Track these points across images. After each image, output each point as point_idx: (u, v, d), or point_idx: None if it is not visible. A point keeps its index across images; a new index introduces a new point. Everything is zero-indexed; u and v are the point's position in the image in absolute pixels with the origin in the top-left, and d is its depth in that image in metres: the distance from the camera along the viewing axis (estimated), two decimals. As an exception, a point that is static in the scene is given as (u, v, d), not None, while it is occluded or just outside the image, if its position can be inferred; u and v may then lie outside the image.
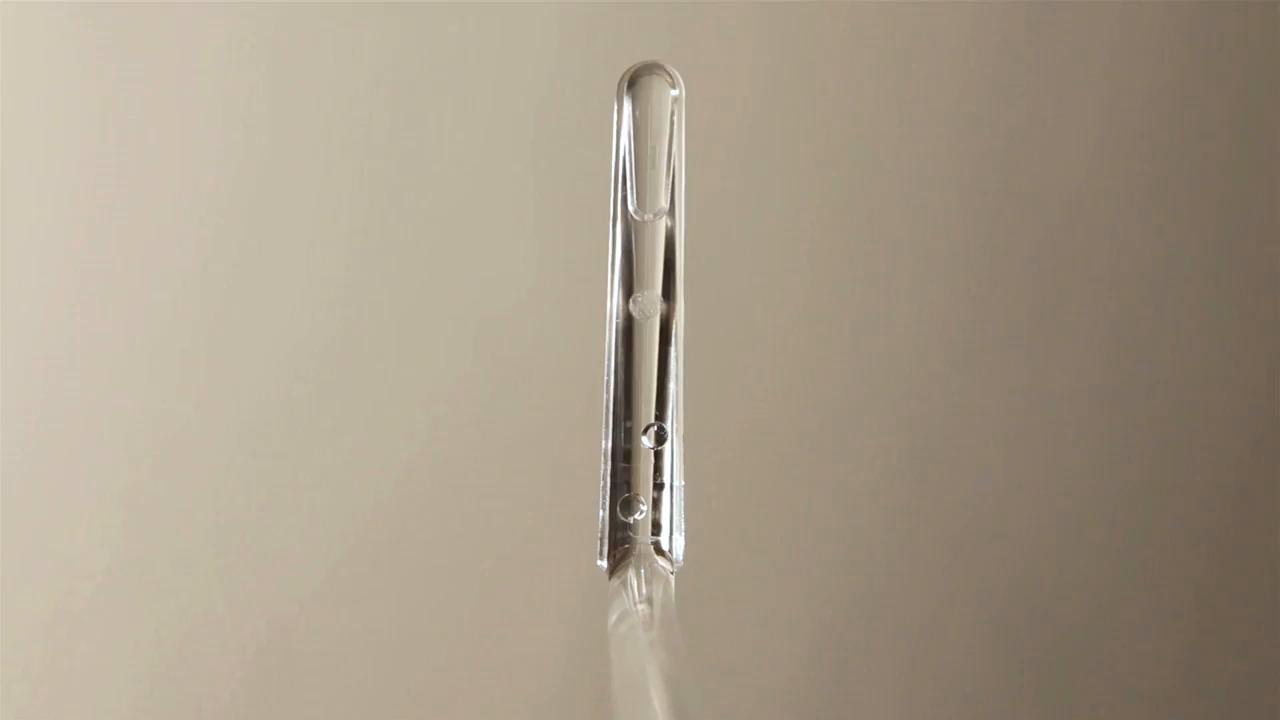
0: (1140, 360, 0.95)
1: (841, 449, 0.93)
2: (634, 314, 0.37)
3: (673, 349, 0.37)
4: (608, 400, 0.37)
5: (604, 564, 0.37)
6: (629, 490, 0.37)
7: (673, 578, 0.36)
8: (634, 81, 0.37)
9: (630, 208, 0.37)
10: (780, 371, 0.89)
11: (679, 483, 0.37)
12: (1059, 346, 0.95)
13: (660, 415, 0.37)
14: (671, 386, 0.37)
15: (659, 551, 0.36)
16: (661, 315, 0.37)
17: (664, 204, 0.37)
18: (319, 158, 0.77)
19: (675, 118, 0.37)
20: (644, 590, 0.35)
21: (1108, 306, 0.94)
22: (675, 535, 0.37)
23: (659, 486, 0.37)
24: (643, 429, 0.37)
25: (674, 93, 0.37)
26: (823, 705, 0.88)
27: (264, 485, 0.85)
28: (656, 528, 0.37)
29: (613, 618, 0.34)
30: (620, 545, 0.36)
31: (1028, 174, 0.85)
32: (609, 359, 0.37)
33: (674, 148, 0.37)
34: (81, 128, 0.68)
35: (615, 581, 0.36)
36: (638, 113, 0.37)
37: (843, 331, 0.86)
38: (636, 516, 0.37)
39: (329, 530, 0.85)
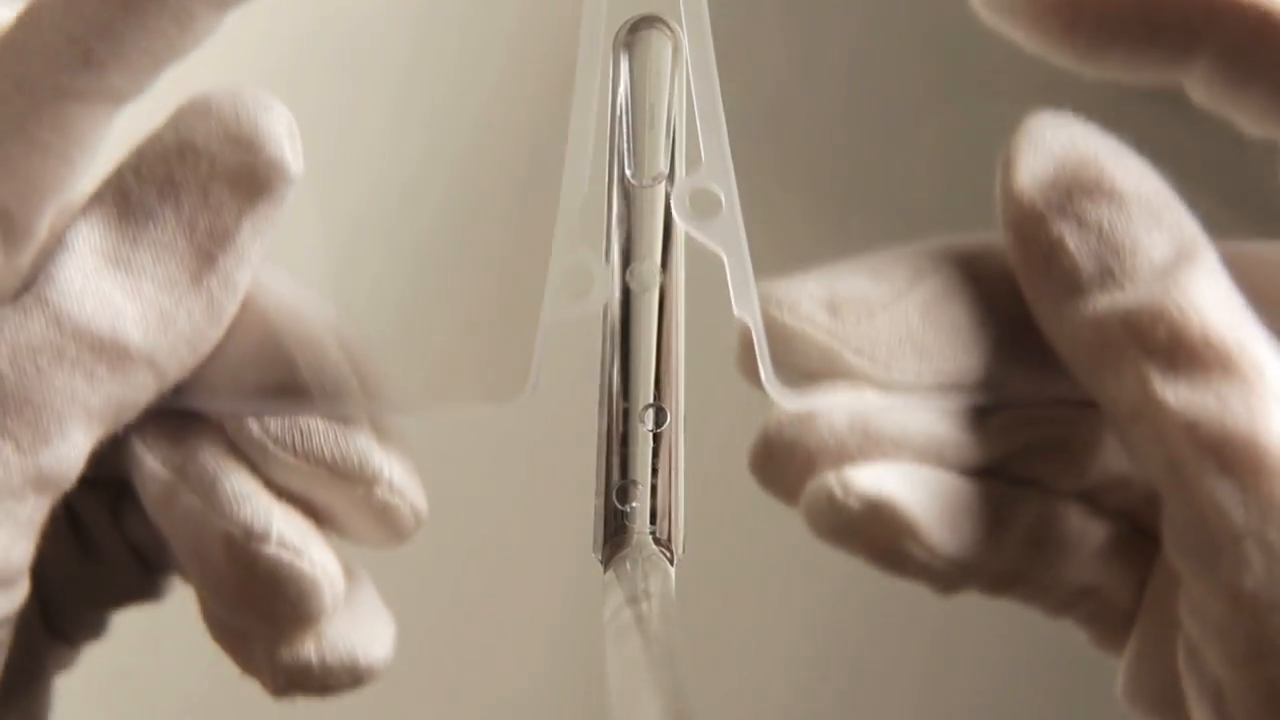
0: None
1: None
2: (630, 286, 0.35)
3: (672, 324, 0.35)
4: (602, 379, 0.36)
5: (599, 555, 0.35)
6: (625, 476, 0.35)
7: (672, 569, 0.34)
8: (631, 35, 0.36)
9: (626, 172, 0.36)
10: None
11: (679, 468, 0.35)
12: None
13: (659, 395, 0.35)
14: (671, 364, 0.35)
15: (657, 542, 0.35)
16: (660, 287, 0.35)
17: (663, 168, 0.36)
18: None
19: (675, 75, 0.36)
20: (641, 583, 0.33)
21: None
22: (675, 524, 0.35)
23: (657, 472, 0.35)
24: (640, 410, 0.35)
25: (674, 48, 0.36)
26: (829, 704, 0.87)
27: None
28: (655, 516, 0.35)
29: (608, 612, 0.33)
30: (616, 535, 0.35)
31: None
32: (603, 335, 0.35)
33: (674, 108, 0.36)
34: None
35: (611, 573, 0.34)
36: (634, 69, 0.36)
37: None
38: (634, 504, 0.35)
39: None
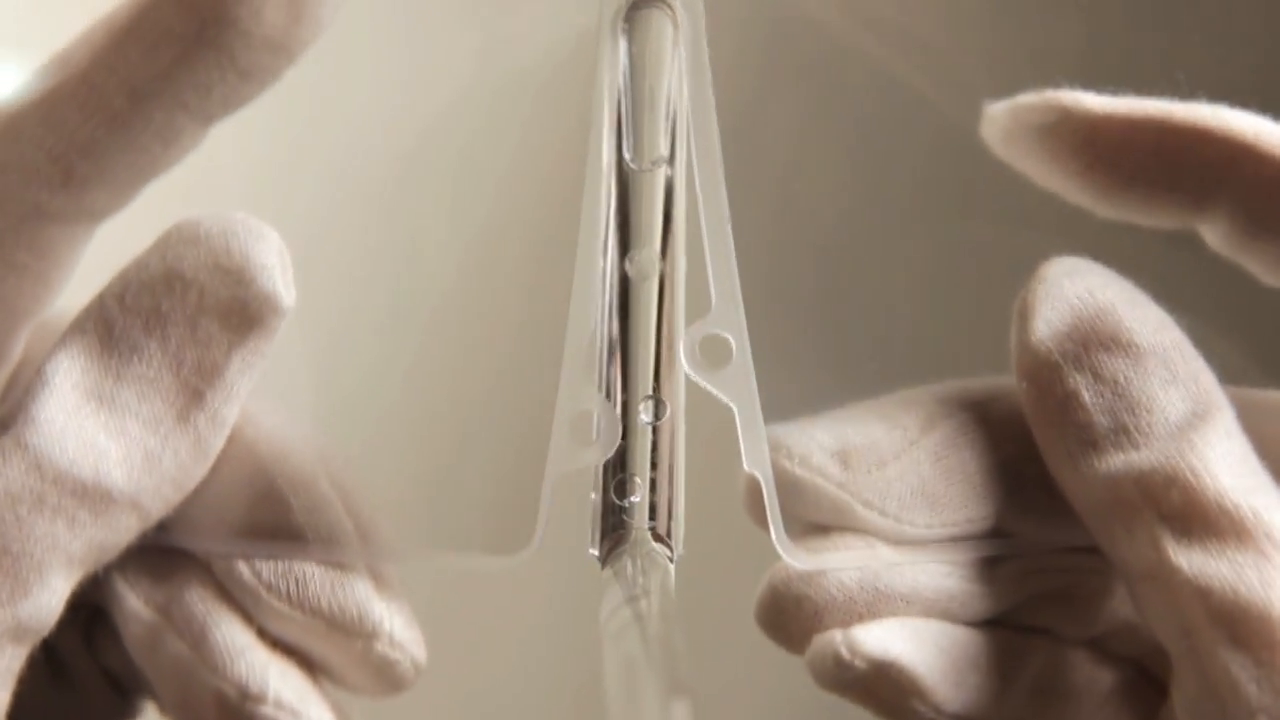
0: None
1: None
2: (629, 274, 0.34)
3: (672, 313, 0.34)
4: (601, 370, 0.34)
5: (597, 551, 0.34)
6: (624, 471, 0.34)
7: (672, 567, 0.34)
8: (630, 15, 0.35)
9: (626, 156, 0.35)
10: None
11: (679, 462, 0.34)
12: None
13: (658, 387, 0.34)
14: (670, 355, 0.34)
15: (657, 538, 0.34)
16: (660, 275, 0.34)
17: (663, 152, 0.35)
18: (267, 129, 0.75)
19: (676, 55, 0.35)
20: (640, 580, 0.33)
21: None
22: (675, 520, 0.34)
23: (657, 466, 0.34)
24: (639, 402, 0.34)
25: (675, 27, 0.35)
26: (830, 704, 0.86)
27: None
28: (654, 512, 0.34)
29: (606, 610, 0.32)
30: (614, 531, 0.34)
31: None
32: (602, 324, 0.34)
33: (675, 89, 0.35)
34: None
35: (609, 571, 0.34)
36: (634, 50, 0.35)
37: (862, 297, 0.84)
38: (632, 499, 0.34)
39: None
